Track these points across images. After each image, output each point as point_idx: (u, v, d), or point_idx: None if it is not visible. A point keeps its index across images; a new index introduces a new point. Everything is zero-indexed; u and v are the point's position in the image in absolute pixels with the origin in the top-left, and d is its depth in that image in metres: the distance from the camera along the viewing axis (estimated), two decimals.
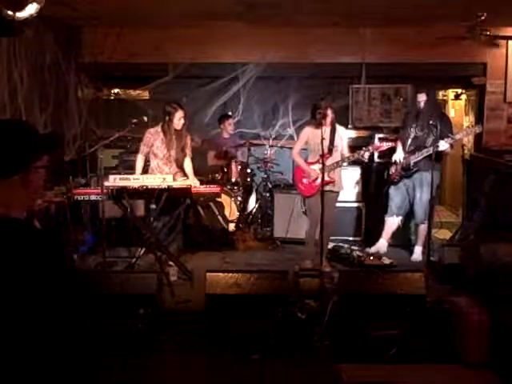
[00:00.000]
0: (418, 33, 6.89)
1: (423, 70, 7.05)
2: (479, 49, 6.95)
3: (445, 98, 9.16)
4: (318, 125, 5.12)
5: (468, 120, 7.88)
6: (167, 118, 5.22)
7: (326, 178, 5.08)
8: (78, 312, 1.50)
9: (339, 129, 5.31)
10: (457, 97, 8.25)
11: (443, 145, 5.32)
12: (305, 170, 5.30)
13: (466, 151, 6.45)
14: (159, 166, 5.33)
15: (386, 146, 5.34)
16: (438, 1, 5.52)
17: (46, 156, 1.56)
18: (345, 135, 5.36)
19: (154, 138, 5.29)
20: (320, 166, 5.19)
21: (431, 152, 5.38)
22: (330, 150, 5.19)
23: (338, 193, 5.34)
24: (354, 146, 5.78)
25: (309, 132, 5.30)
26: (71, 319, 1.47)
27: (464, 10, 5.70)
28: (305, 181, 5.34)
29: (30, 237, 1.48)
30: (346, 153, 5.29)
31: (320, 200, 5.15)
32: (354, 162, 6.46)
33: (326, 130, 5.11)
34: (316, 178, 5.24)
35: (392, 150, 5.81)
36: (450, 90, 8.59)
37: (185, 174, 5.41)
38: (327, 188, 5.16)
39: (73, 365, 1.46)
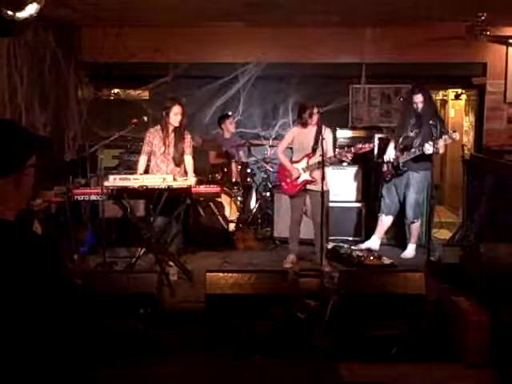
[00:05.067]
0: (418, 33, 6.90)
1: (423, 70, 7.06)
2: (479, 49, 6.96)
3: (445, 97, 9.17)
4: (304, 124, 5.27)
5: (468, 120, 7.89)
6: (164, 113, 5.23)
7: (308, 178, 5.26)
8: (63, 317, 1.48)
9: (325, 130, 5.35)
10: (457, 97, 8.26)
11: (428, 148, 5.34)
12: (288, 168, 5.36)
13: (466, 151, 6.44)
14: (157, 165, 5.33)
15: (368, 147, 5.35)
16: (438, 1, 5.53)
17: (34, 156, 1.55)
18: (331, 136, 5.39)
19: (153, 136, 5.30)
20: (303, 164, 5.33)
21: (418, 153, 5.47)
22: (314, 150, 5.27)
23: (324, 192, 5.33)
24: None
25: (295, 131, 5.42)
26: (56, 324, 1.46)
27: (464, 9, 5.70)
28: (288, 180, 5.41)
29: (20, 240, 1.47)
30: (331, 154, 5.31)
31: (302, 200, 5.37)
32: (355, 162, 6.50)
33: (312, 129, 5.27)
34: (298, 177, 5.31)
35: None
36: (450, 90, 8.59)
37: (183, 173, 5.40)
38: (311, 187, 5.30)
39: (60, 369, 1.46)
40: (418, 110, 5.56)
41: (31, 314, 1.40)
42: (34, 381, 1.41)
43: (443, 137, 5.33)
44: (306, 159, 5.30)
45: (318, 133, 5.27)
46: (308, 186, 5.33)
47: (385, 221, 5.95)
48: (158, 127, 5.32)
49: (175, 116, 5.21)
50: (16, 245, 1.44)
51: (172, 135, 5.29)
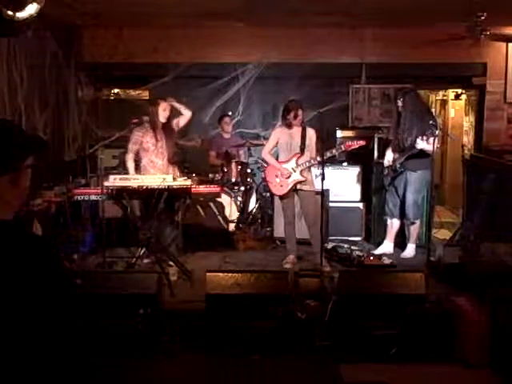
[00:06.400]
0: (418, 33, 6.90)
1: (423, 70, 7.06)
2: (479, 49, 6.95)
3: (445, 97, 9.17)
4: (289, 125, 5.32)
5: (468, 120, 7.89)
6: (152, 109, 5.30)
7: (299, 177, 5.30)
8: (63, 317, 1.49)
9: (309, 130, 5.39)
10: (457, 97, 8.26)
11: (419, 143, 5.38)
12: (278, 168, 5.38)
13: (466, 151, 6.45)
14: (151, 161, 5.35)
15: (357, 144, 5.40)
16: (437, 1, 5.53)
17: (31, 156, 1.56)
18: (314, 136, 5.41)
19: (142, 134, 5.34)
20: (292, 164, 5.35)
21: (410, 153, 5.51)
22: (302, 150, 5.33)
23: (312, 192, 5.37)
24: None
25: (280, 132, 5.45)
26: (56, 325, 1.46)
27: (464, 9, 5.70)
28: (278, 180, 5.42)
29: (19, 240, 1.47)
30: (314, 153, 5.36)
31: (293, 199, 5.40)
32: (355, 162, 6.51)
33: (298, 129, 5.33)
34: (288, 177, 5.34)
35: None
36: (450, 90, 8.59)
37: (177, 169, 5.47)
38: (301, 187, 5.33)
39: (60, 368, 1.46)
40: (401, 114, 5.61)
41: (30, 314, 1.40)
42: (33, 380, 1.41)
43: (431, 132, 5.32)
44: (294, 159, 5.34)
45: (304, 133, 5.33)
46: (298, 186, 5.35)
47: (392, 224, 5.91)
48: (147, 125, 5.35)
49: (163, 112, 5.27)
50: (14, 244, 1.44)
51: (162, 131, 5.33)
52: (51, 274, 1.49)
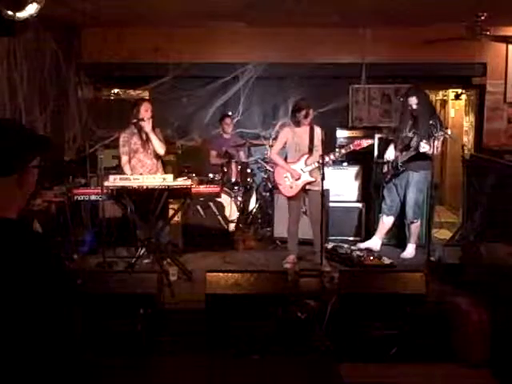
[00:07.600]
0: (417, 33, 6.90)
1: (423, 70, 7.06)
2: (479, 49, 6.95)
3: (445, 98, 9.17)
4: (297, 124, 5.28)
5: (468, 120, 7.89)
6: (135, 110, 5.28)
7: (309, 178, 5.27)
8: (67, 315, 1.49)
9: (316, 129, 5.36)
10: (457, 97, 8.26)
11: (423, 147, 5.38)
12: (287, 169, 5.34)
13: (466, 151, 6.45)
14: (141, 160, 5.36)
15: (365, 143, 5.42)
16: (437, 1, 5.53)
17: (38, 156, 1.56)
18: (321, 135, 5.37)
19: (130, 136, 5.34)
20: (301, 165, 5.31)
21: (413, 153, 5.50)
22: (311, 150, 5.28)
23: (319, 191, 5.34)
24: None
25: (288, 132, 5.39)
26: (60, 322, 1.46)
27: (464, 9, 5.70)
28: (287, 182, 5.37)
29: (24, 238, 1.48)
30: (320, 152, 5.30)
31: (301, 200, 5.38)
32: (355, 162, 6.51)
33: (306, 129, 5.28)
34: (298, 178, 5.30)
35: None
36: (450, 90, 8.59)
37: (163, 169, 5.52)
38: (309, 187, 5.31)
39: (60, 367, 1.46)
40: (414, 112, 5.60)
41: (31, 312, 1.41)
42: (34, 380, 1.42)
43: (435, 134, 5.33)
44: (303, 159, 5.30)
45: (312, 132, 5.30)
46: (308, 186, 5.33)
47: (386, 221, 5.95)
48: (132, 127, 5.34)
49: (145, 112, 5.26)
50: (19, 242, 1.45)
51: (147, 130, 5.33)
52: (54, 271, 1.50)
